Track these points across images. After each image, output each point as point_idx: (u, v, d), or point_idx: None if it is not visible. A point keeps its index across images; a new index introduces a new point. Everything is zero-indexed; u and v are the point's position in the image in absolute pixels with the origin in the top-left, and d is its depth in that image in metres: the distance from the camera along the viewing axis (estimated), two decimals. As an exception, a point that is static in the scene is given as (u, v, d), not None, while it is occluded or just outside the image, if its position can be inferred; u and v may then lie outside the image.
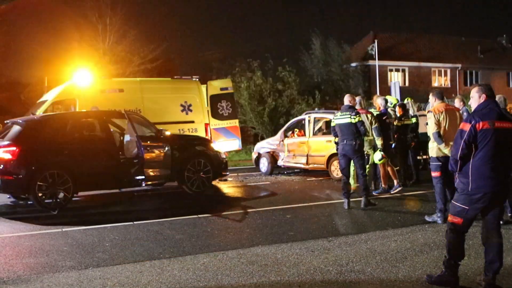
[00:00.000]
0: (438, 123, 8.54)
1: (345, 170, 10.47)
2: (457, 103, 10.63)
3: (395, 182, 12.16)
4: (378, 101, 12.45)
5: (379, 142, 11.58)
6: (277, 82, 31.39)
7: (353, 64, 42.04)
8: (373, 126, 11.63)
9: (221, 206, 11.23)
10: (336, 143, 10.92)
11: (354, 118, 10.25)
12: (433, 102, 8.98)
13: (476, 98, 5.66)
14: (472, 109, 5.70)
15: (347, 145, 10.27)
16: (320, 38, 40.09)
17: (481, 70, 48.13)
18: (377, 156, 11.48)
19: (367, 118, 11.62)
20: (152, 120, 12.90)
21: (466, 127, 5.43)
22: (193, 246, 7.68)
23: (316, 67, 40.28)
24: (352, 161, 10.54)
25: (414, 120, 13.47)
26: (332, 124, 10.76)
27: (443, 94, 9.30)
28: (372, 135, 11.63)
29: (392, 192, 11.94)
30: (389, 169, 12.10)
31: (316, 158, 15.49)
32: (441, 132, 8.52)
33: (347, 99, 10.62)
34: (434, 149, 8.76)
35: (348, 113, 10.35)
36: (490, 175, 5.34)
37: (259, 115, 30.90)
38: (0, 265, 6.85)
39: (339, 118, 10.44)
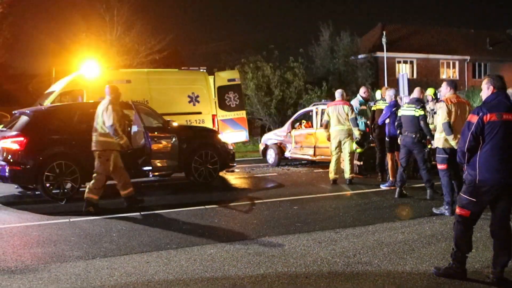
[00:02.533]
0: (449, 113, 8.47)
1: (403, 160, 10.45)
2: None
3: (391, 177, 12.06)
4: (389, 93, 12.36)
5: (356, 132, 12.39)
6: (286, 72, 31.29)
7: (361, 56, 41.86)
8: (350, 117, 12.33)
9: (228, 197, 11.24)
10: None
11: (418, 111, 10.22)
12: (446, 92, 8.86)
13: (485, 90, 5.62)
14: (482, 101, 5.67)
15: (408, 137, 10.25)
16: (330, 29, 39.89)
17: (489, 62, 47.85)
18: (354, 146, 12.45)
19: (344, 109, 12.37)
20: (160, 111, 12.91)
21: (474, 119, 5.40)
22: (200, 237, 7.69)
23: (324, 58, 40.12)
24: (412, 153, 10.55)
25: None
26: (399, 114, 10.80)
27: (457, 85, 9.22)
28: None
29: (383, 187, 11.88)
30: (389, 163, 12.05)
31: (324, 150, 15.44)
32: (452, 123, 8.45)
33: (416, 93, 10.62)
34: (441, 140, 8.70)
35: (414, 105, 10.29)
36: (498, 168, 5.31)
37: (266, 106, 30.86)
38: (8, 254, 6.88)
39: (405, 110, 10.41)
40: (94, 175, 9.69)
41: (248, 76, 30.20)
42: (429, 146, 11.30)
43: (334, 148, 12.58)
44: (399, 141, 10.78)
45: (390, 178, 12.03)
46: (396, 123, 10.92)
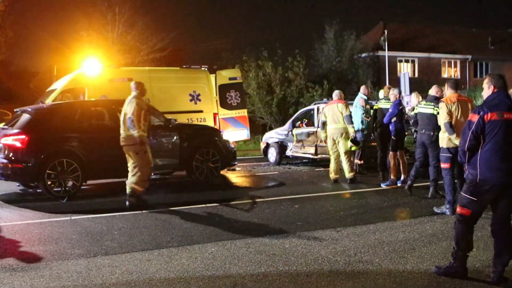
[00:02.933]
0: (450, 113, 8.51)
1: (420, 158, 10.36)
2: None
3: (402, 176, 12.08)
4: (393, 92, 12.31)
5: (351, 129, 12.44)
6: (287, 71, 31.30)
7: (363, 55, 41.82)
8: (344, 115, 12.41)
9: (229, 196, 11.25)
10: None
11: (436, 109, 10.00)
12: (446, 92, 8.96)
13: (486, 89, 5.63)
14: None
15: (425, 135, 10.13)
16: (334, 27, 39.83)
17: (491, 62, 47.78)
18: (348, 144, 12.43)
19: (338, 107, 12.44)
20: (161, 109, 12.86)
21: (474, 118, 5.41)
22: (201, 235, 7.70)
23: (325, 56, 40.08)
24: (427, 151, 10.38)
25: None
26: (415, 111, 10.68)
27: (457, 84, 9.24)
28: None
29: (399, 185, 11.87)
30: (402, 160, 12.04)
31: (325, 148, 15.39)
32: (453, 123, 8.47)
33: (434, 90, 10.47)
34: (444, 139, 8.73)
35: (432, 103, 10.16)
36: (499, 167, 5.31)
37: (268, 105, 30.87)
38: (10, 252, 6.90)
39: (423, 107, 10.28)
40: (136, 169, 9.89)
41: (250, 75, 30.21)
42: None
43: (330, 147, 12.66)
44: (414, 138, 10.86)
45: (391, 177, 12.04)
46: (412, 121, 10.93)
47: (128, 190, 9.89)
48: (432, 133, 10.08)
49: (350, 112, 12.68)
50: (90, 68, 15.32)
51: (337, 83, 34.21)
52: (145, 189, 10.10)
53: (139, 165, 9.87)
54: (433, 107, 10.12)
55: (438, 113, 10.04)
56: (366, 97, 13.78)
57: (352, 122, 12.50)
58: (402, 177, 12.02)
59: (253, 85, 30.28)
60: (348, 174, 12.51)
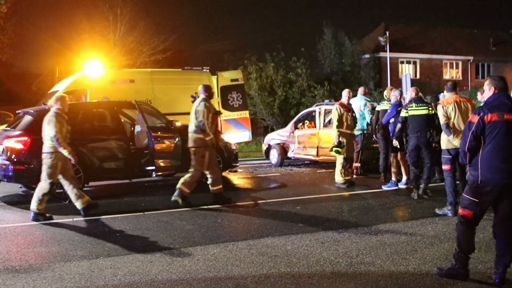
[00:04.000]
0: (446, 115, 8.63)
1: (416, 163, 10.30)
2: (479, 96, 10.66)
3: (404, 178, 12.06)
4: (394, 93, 12.29)
5: (333, 134, 12.25)
6: (289, 73, 31.33)
7: (365, 56, 41.83)
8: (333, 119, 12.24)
9: (231, 197, 11.23)
10: (399, 134, 10.80)
11: (432, 110, 10.16)
12: (445, 93, 9.10)
13: (486, 91, 5.65)
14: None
15: (422, 137, 10.10)
16: (332, 30, 39.89)
17: (493, 63, 47.78)
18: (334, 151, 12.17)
19: (337, 109, 12.14)
20: (163, 111, 12.93)
21: (475, 119, 5.42)
22: (203, 236, 7.71)
23: (327, 58, 40.11)
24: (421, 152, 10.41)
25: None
26: (404, 114, 10.42)
27: (456, 85, 9.28)
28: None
29: (400, 187, 11.85)
30: (402, 162, 12.02)
31: (327, 150, 15.44)
32: (450, 124, 8.56)
33: (414, 92, 10.51)
34: (444, 141, 8.78)
35: (424, 104, 10.20)
36: (499, 168, 5.32)
37: (269, 106, 30.90)
38: (12, 253, 6.92)
39: (415, 109, 10.22)
40: (190, 169, 9.98)
41: (252, 76, 30.25)
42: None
43: None
44: (405, 142, 10.74)
45: (393, 179, 12.03)
46: (400, 124, 10.66)
47: (177, 188, 9.97)
48: (429, 135, 10.12)
49: (368, 110, 12.81)
50: (92, 70, 15.35)
51: (340, 84, 34.24)
52: (221, 188, 10.25)
53: (193, 167, 9.95)
54: (427, 107, 10.19)
55: (434, 113, 10.12)
56: (368, 99, 13.78)
57: (336, 127, 12.09)
58: (404, 179, 12.01)
59: (255, 87, 30.31)
60: (337, 179, 12.33)
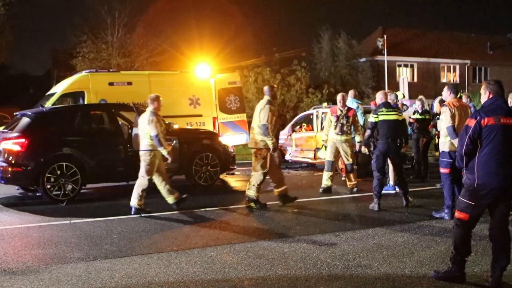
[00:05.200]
0: (453, 117, 8.40)
1: (382, 170, 9.93)
2: (464, 99, 10.54)
3: (391, 181, 12.01)
4: (390, 97, 12.29)
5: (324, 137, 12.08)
6: (288, 76, 31.40)
7: (362, 59, 41.89)
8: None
9: (229, 200, 11.25)
10: (368, 141, 10.24)
11: (401, 115, 9.97)
12: (447, 96, 8.86)
13: (483, 95, 5.67)
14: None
15: (392, 143, 9.78)
16: (329, 33, 39.95)
17: (490, 67, 47.86)
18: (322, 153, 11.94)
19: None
20: (160, 113, 12.90)
21: (471, 123, 5.44)
22: (200, 239, 7.71)
23: (325, 61, 40.16)
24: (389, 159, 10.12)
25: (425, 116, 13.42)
26: (374, 119, 9.92)
27: (458, 89, 9.22)
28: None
29: (397, 190, 11.80)
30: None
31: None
32: (456, 127, 8.40)
33: (384, 97, 10.13)
34: (446, 144, 8.66)
35: (394, 109, 9.94)
36: (496, 171, 5.33)
37: (267, 109, 30.91)
38: (9, 255, 6.91)
39: (385, 114, 9.84)
40: (253, 172, 10.00)
41: (250, 80, 30.30)
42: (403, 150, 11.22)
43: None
44: (372, 147, 10.18)
45: (390, 182, 12.02)
46: (370, 130, 10.08)
47: (246, 193, 10.05)
48: (399, 141, 9.84)
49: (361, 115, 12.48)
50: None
51: (338, 88, 34.28)
52: (286, 189, 10.25)
53: (255, 169, 9.97)
54: (396, 113, 9.92)
55: (403, 119, 9.96)
56: (359, 101, 13.74)
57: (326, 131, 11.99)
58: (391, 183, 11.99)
59: (252, 90, 30.34)
60: (323, 183, 12.04)
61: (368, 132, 10.13)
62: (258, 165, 9.92)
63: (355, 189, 11.72)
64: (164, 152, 9.49)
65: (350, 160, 11.78)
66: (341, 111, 11.70)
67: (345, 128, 11.69)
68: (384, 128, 9.81)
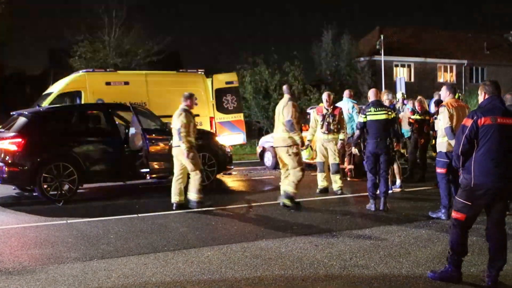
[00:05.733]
0: (451, 118, 8.42)
1: (373, 170, 9.67)
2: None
3: (398, 181, 12.07)
4: (387, 97, 12.30)
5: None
6: (284, 76, 31.39)
7: (359, 59, 41.90)
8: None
9: (226, 200, 11.25)
10: (358, 141, 10.08)
11: (391, 114, 9.77)
12: (446, 96, 8.86)
13: (480, 96, 5.69)
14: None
15: (381, 143, 9.59)
16: (331, 32, 39.92)
17: (487, 67, 47.93)
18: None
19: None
20: (157, 113, 12.92)
21: (468, 122, 5.45)
22: (197, 239, 7.71)
23: (323, 60, 40.16)
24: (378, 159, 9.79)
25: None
26: (363, 120, 9.76)
27: (456, 89, 9.23)
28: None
29: (394, 190, 11.81)
30: (394, 165, 12.02)
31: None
32: (454, 127, 8.41)
33: (375, 94, 10.00)
34: (443, 144, 8.67)
35: (383, 109, 9.74)
36: (492, 171, 5.34)
37: (264, 109, 30.91)
38: (6, 255, 6.90)
39: (374, 114, 9.65)
40: (290, 170, 9.99)
41: (246, 80, 30.28)
42: (403, 151, 11.12)
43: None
44: (362, 147, 10.02)
45: (397, 180, 12.02)
46: (358, 131, 9.95)
47: (285, 189, 10.02)
48: (390, 141, 9.67)
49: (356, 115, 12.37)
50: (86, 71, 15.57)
51: (336, 87, 34.32)
52: (297, 192, 10.17)
53: (291, 167, 9.94)
54: (386, 112, 9.70)
55: (393, 118, 9.76)
56: (355, 101, 13.72)
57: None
58: (397, 182, 12.03)
59: (249, 90, 30.34)
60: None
61: (356, 132, 10.04)
62: (294, 162, 9.91)
63: (339, 191, 11.53)
64: (183, 146, 9.67)
65: (337, 160, 11.66)
66: (327, 109, 11.58)
67: (331, 127, 11.56)
68: (373, 128, 9.65)
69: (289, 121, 9.73)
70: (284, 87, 10.35)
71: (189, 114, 9.86)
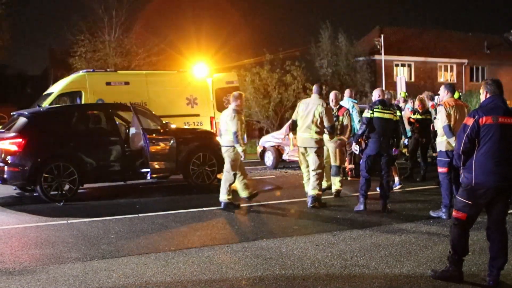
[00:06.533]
0: (449, 116, 8.46)
1: (370, 170, 9.56)
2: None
3: (396, 179, 12.03)
4: (386, 96, 12.26)
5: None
6: (285, 75, 31.41)
7: (359, 59, 41.88)
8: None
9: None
10: (360, 137, 9.82)
11: (396, 116, 9.69)
12: (444, 96, 8.89)
13: (481, 95, 5.69)
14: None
15: (385, 143, 9.44)
16: (329, 31, 39.94)
17: (487, 66, 47.89)
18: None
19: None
20: (158, 113, 12.92)
21: (470, 121, 5.45)
22: (198, 239, 7.71)
23: (323, 59, 40.15)
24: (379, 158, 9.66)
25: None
26: (369, 115, 9.50)
27: (455, 88, 9.24)
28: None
29: (394, 189, 11.77)
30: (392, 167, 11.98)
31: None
32: (452, 126, 8.44)
33: (381, 94, 9.80)
34: (443, 143, 8.70)
35: (390, 109, 9.62)
36: (493, 170, 5.34)
37: (264, 108, 30.92)
38: (7, 256, 6.90)
39: (381, 112, 9.46)
40: (313, 173, 10.00)
41: (247, 79, 30.30)
42: (404, 150, 11.01)
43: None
44: (358, 146, 9.91)
45: (395, 178, 12.00)
46: (364, 126, 9.64)
47: (311, 193, 10.03)
48: (392, 141, 9.57)
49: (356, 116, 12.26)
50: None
51: (335, 87, 34.29)
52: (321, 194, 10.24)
53: (315, 167, 9.98)
54: (392, 112, 9.59)
55: (398, 118, 9.70)
56: (355, 100, 13.70)
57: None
58: (396, 180, 11.98)
59: (250, 89, 30.35)
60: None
61: (362, 127, 9.73)
62: (319, 162, 9.97)
63: (334, 193, 11.34)
64: (240, 149, 9.75)
65: (338, 162, 11.41)
66: (333, 110, 11.28)
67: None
68: (378, 126, 9.48)
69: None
70: (315, 87, 10.34)
71: (240, 115, 9.94)
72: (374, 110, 9.53)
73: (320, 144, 9.98)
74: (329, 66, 39.56)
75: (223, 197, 9.90)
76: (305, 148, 10.10)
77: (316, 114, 9.86)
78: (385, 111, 9.56)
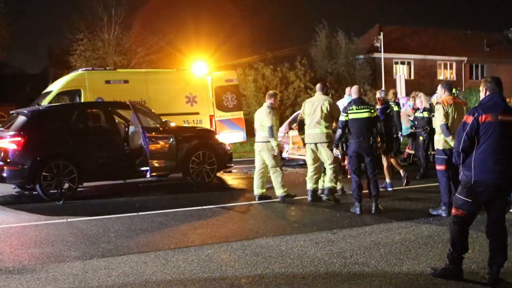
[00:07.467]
0: (446, 115, 8.46)
1: (357, 171, 9.32)
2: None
3: (388, 181, 11.84)
4: (380, 95, 12.30)
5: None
6: (289, 72, 31.44)
7: (359, 57, 41.87)
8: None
9: (226, 198, 11.25)
10: (338, 141, 9.66)
11: (373, 113, 9.44)
12: (442, 94, 8.90)
13: (481, 92, 5.69)
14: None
15: (364, 143, 9.18)
16: (326, 30, 39.95)
17: (487, 64, 47.91)
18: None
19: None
20: (157, 112, 12.91)
21: (469, 119, 5.44)
22: (197, 237, 7.71)
23: (323, 57, 40.15)
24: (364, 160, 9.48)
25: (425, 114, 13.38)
26: (344, 118, 9.35)
27: (452, 86, 9.24)
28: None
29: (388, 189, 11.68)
30: (392, 161, 11.98)
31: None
32: (449, 125, 8.45)
33: (357, 92, 9.69)
34: (440, 141, 8.71)
35: (365, 106, 9.40)
36: (493, 168, 5.34)
37: (264, 107, 30.94)
38: (6, 254, 6.90)
39: (356, 112, 9.26)
40: (330, 166, 10.15)
41: (249, 78, 30.31)
42: (410, 151, 10.95)
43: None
44: (341, 148, 9.79)
45: (387, 180, 11.97)
46: (340, 130, 9.48)
47: (328, 185, 10.28)
48: (373, 139, 9.32)
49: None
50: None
51: (335, 85, 34.29)
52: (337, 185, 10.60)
53: (330, 162, 10.10)
54: (369, 110, 9.37)
55: (376, 116, 9.48)
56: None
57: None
58: (387, 181, 11.82)
59: (251, 87, 30.36)
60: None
61: (338, 131, 9.53)
62: (332, 157, 10.07)
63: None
64: (274, 143, 10.14)
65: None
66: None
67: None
68: (355, 127, 9.29)
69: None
70: (318, 85, 10.54)
71: (275, 110, 10.41)
72: (348, 112, 9.34)
73: (330, 138, 10.04)
74: (327, 64, 39.56)
75: (279, 191, 10.33)
76: (315, 144, 10.16)
77: (324, 109, 10.03)
78: (360, 111, 9.33)
